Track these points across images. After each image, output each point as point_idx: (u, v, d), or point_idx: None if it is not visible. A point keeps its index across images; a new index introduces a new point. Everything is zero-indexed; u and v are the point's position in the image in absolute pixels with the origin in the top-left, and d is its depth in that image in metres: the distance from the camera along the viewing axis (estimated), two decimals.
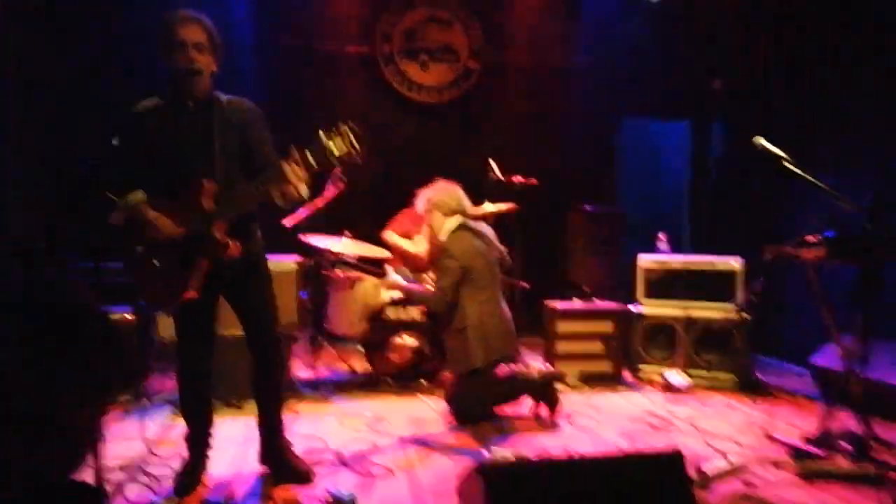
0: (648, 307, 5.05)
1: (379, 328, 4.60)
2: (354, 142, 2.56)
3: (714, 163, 6.70)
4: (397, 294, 4.52)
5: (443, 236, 3.91)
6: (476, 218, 4.18)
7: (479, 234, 3.95)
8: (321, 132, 2.56)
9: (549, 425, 3.87)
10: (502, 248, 4.14)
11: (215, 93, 2.81)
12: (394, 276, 4.34)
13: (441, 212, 3.95)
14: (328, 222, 4.99)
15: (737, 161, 6.19)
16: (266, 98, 3.78)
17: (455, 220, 3.94)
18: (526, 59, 6.74)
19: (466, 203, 4.02)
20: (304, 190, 2.66)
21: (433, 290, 3.89)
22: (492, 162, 5.21)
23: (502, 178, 5.20)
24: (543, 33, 6.71)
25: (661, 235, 5.43)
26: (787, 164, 3.74)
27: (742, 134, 6.02)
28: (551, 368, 4.18)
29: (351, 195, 5.03)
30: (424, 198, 4.04)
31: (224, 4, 5.64)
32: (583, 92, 6.74)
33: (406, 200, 5.83)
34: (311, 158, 2.57)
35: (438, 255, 3.84)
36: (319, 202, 4.62)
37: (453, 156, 6.46)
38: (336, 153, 2.55)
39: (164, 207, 2.69)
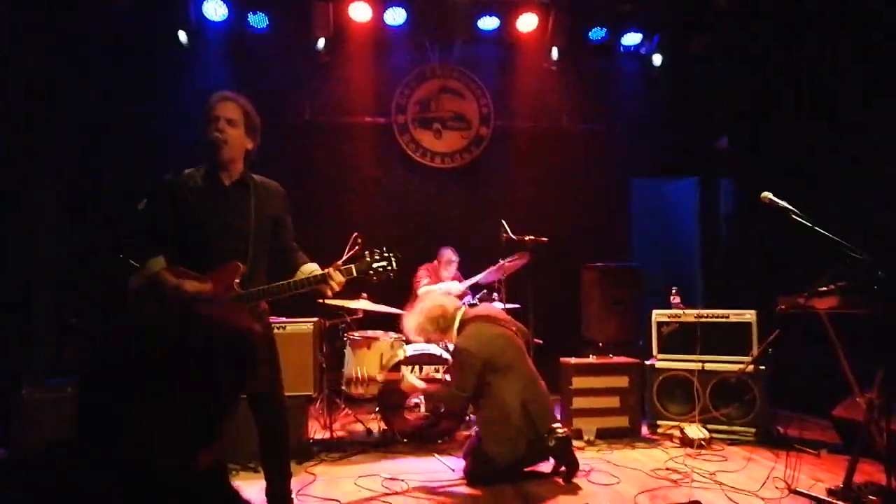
0: (664, 361, 4.98)
1: (395, 388, 4.56)
2: (393, 263, 2.87)
3: (724, 218, 6.70)
4: (412, 351, 4.50)
5: (454, 336, 3.77)
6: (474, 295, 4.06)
7: (489, 319, 3.77)
8: (367, 252, 2.89)
9: (569, 484, 3.75)
10: (517, 323, 3.97)
11: (250, 174, 2.92)
12: (409, 377, 4.12)
13: (439, 327, 3.82)
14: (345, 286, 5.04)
15: (746, 215, 6.19)
16: (286, 168, 3.92)
17: (458, 319, 3.79)
18: (534, 124, 6.93)
19: (449, 294, 3.92)
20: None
21: (451, 386, 3.70)
22: (503, 221, 5.27)
23: (515, 237, 5.24)
24: (550, 99, 6.90)
25: (674, 290, 5.39)
26: (795, 216, 3.75)
27: (749, 189, 6.07)
28: (566, 430, 4.00)
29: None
30: (416, 329, 3.90)
31: (248, 84, 5.89)
32: (591, 154, 6.89)
33: (421, 263, 5.95)
34: (354, 271, 2.83)
35: (456, 356, 3.67)
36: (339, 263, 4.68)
37: (466, 218, 6.57)
38: (377, 271, 2.85)
39: (187, 276, 2.71)
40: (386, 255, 2.88)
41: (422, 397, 4.26)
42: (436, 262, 5.88)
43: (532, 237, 5.20)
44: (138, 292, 2.70)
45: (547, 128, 6.93)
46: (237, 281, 2.73)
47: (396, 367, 4.61)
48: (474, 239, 6.15)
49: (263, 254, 2.89)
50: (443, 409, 4.43)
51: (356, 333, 5.10)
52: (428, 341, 4.00)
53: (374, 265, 2.85)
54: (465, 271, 5.84)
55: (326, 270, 2.81)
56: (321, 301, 4.69)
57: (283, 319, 4.46)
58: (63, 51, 5.35)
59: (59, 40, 5.33)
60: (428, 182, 6.76)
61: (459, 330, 3.75)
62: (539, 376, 3.83)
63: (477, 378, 3.55)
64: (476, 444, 3.75)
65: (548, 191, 6.86)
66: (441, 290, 5.57)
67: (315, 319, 4.63)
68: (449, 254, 5.85)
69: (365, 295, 5.18)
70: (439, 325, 3.80)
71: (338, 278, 2.79)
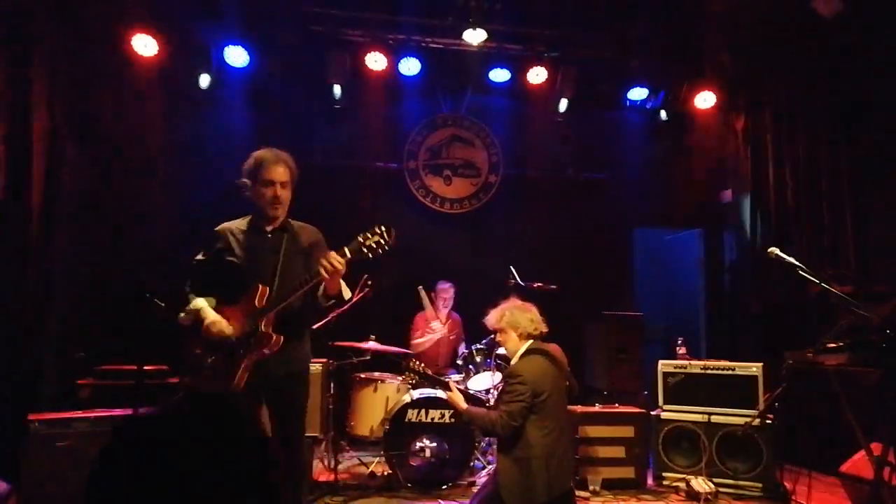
0: (669, 412, 4.91)
1: (400, 431, 4.49)
2: (385, 236, 2.94)
3: (727, 269, 6.68)
4: (419, 395, 4.43)
5: (514, 359, 3.62)
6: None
7: (552, 359, 3.62)
8: (359, 235, 2.95)
9: None
10: (571, 374, 3.79)
11: (289, 220, 3.18)
12: (457, 393, 3.85)
13: (516, 333, 3.65)
14: (353, 327, 5.01)
15: (750, 267, 6.18)
16: (299, 213, 3.92)
17: (528, 344, 3.64)
18: (541, 173, 6.98)
19: (541, 324, 3.69)
20: (346, 291, 3.06)
21: (500, 412, 3.48)
22: (511, 268, 5.26)
23: (522, 283, 5.23)
24: (557, 150, 6.96)
25: (679, 341, 5.35)
26: (802, 272, 3.74)
27: (752, 243, 6.08)
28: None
29: (375, 302, 5.09)
30: (499, 314, 3.73)
31: (262, 128, 5.96)
32: (596, 203, 6.92)
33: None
34: (347, 252, 2.91)
35: (509, 379, 3.51)
36: (346, 306, 4.65)
37: (474, 263, 6.55)
38: (371, 247, 2.92)
39: (223, 311, 2.97)
40: (377, 230, 2.95)
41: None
42: (434, 296, 5.94)
43: (540, 284, 5.18)
44: (187, 328, 2.95)
45: (553, 177, 6.99)
46: (260, 300, 2.95)
47: (403, 409, 4.53)
48: (481, 284, 6.12)
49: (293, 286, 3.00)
50: (480, 434, 4.30)
51: (363, 375, 5.04)
52: (499, 333, 3.79)
53: (366, 242, 2.92)
54: (467, 316, 5.82)
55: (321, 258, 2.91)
56: (331, 343, 4.68)
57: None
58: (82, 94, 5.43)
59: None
60: (437, 227, 6.78)
61: (523, 356, 3.59)
62: (569, 435, 3.66)
63: (525, 407, 3.38)
64: (492, 490, 3.52)
65: (553, 238, 6.87)
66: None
67: (323, 361, 4.59)
68: (444, 287, 5.89)
69: (373, 336, 5.15)
70: (528, 327, 3.62)
71: (333, 258, 2.86)
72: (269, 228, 3.11)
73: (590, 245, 6.87)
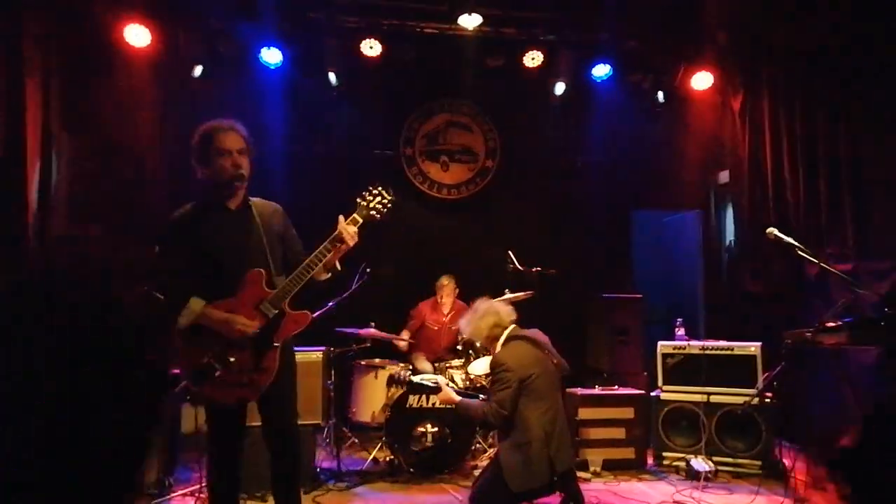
0: (669, 393, 4.92)
1: (401, 417, 4.50)
2: (385, 195, 2.98)
3: (726, 250, 6.67)
4: (419, 380, 4.43)
5: (497, 349, 3.69)
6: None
7: (534, 342, 3.69)
8: (359, 197, 2.98)
9: None
10: (559, 355, 3.83)
11: (249, 197, 2.98)
12: (447, 389, 3.97)
13: (491, 332, 3.72)
14: (352, 314, 5.02)
15: (748, 247, 6.16)
16: (298, 201, 3.91)
17: (507, 332, 3.71)
18: (539, 157, 6.94)
19: (508, 314, 3.78)
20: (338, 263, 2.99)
21: (489, 403, 3.56)
22: (510, 253, 5.25)
23: (521, 268, 5.22)
24: (555, 134, 6.92)
25: (678, 322, 5.35)
26: (800, 252, 3.74)
27: (751, 224, 6.06)
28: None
29: (375, 288, 5.09)
30: (468, 324, 3.82)
31: (259, 118, 5.93)
32: (595, 187, 6.89)
33: (426, 293, 5.92)
34: (359, 219, 2.92)
35: (494, 368, 3.58)
36: (346, 294, 4.67)
37: (473, 249, 6.55)
38: (377, 208, 2.96)
39: (226, 307, 2.78)
40: (376, 191, 2.98)
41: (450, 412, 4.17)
42: (438, 293, 5.90)
43: (539, 269, 5.17)
44: (187, 332, 2.75)
45: (552, 160, 6.95)
46: (266, 286, 2.83)
47: (404, 395, 4.55)
48: (479, 269, 6.13)
49: (280, 261, 2.96)
50: (477, 427, 4.36)
51: (363, 362, 5.06)
52: (477, 343, 3.89)
53: (372, 203, 2.95)
54: (468, 301, 5.82)
55: (336, 232, 2.88)
56: (333, 330, 4.68)
57: (293, 348, 4.42)
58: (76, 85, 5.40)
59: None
60: (434, 213, 6.77)
61: (504, 344, 3.67)
62: (564, 413, 3.69)
63: (514, 395, 3.45)
64: (496, 471, 3.54)
65: (552, 223, 6.85)
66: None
67: (323, 348, 4.60)
68: (444, 280, 5.86)
69: (373, 323, 5.16)
70: (492, 330, 3.71)
71: (350, 230, 2.88)
72: (232, 206, 2.91)
73: (589, 228, 6.85)
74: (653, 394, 4.97)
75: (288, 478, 2.97)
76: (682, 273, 7.32)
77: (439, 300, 5.87)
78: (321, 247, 2.87)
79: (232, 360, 2.74)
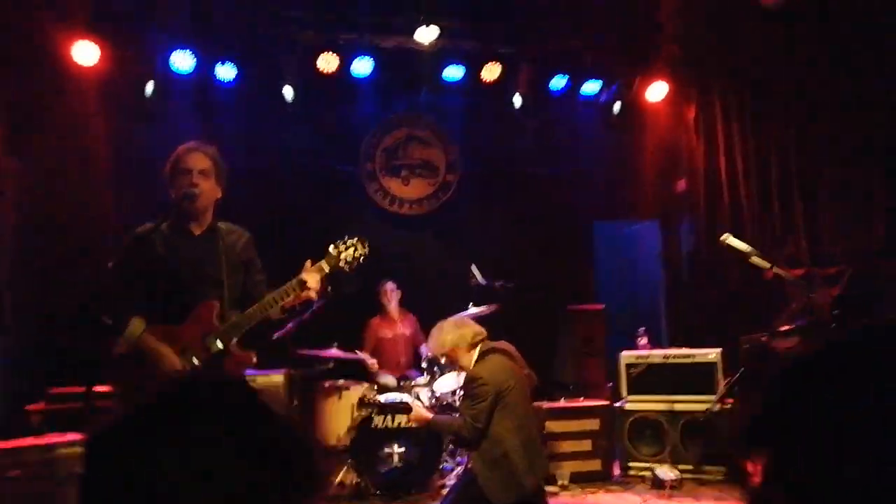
0: (633, 403, 5.03)
1: (367, 438, 4.51)
2: (360, 247, 2.90)
3: (686, 258, 6.85)
4: (385, 400, 4.46)
5: (472, 365, 3.70)
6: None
7: (506, 353, 3.76)
8: (332, 245, 2.89)
9: None
10: (528, 368, 3.92)
11: (217, 222, 2.94)
12: (419, 407, 4.04)
13: (462, 349, 3.74)
14: (315, 334, 5.01)
15: (706, 255, 6.34)
16: (255, 218, 3.89)
17: (478, 348, 3.74)
18: (500, 170, 7.04)
19: (479, 330, 3.82)
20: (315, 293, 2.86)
21: (463, 418, 3.58)
22: (473, 267, 5.32)
23: (484, 281, 5.29)
24: (515, 146, 7.03)
25: (640, 331, 5.47)
26: (755, 258, 3.88)
27: (709, 232, 6.25)
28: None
29: (337, 307, 5.10)
30: (440, 341, 3.82)
31: (215, 134, 5.89)
32: (555, 198, 7.00)
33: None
34: (325, 267, 2.82)
35: (470, 384, 3.61)
36: (306, 315, 4.65)
37: (437, 264, 6.60)
38: (347, 260, 2.87)
39: (168, 334, 2.69)
40: (351, 241, 2.90)
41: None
42: (379, 296, 5.96)
43: (502, 282, 5.25)
44: (124, 357, 2.66)
45: (512, 173, 7.05)
46: (217, 318, 2.74)
47: (369, 420, 4.55)
48: (444, 284, 6.18)
49: (237, 299, 2.89)
50: (450, 440, 4.38)
51: (327, 383, 5.04)
52: (445, 359, 3.90)
53: (343, 254, 2.86)
54: (433, 317, 5.86)
55: (299, 276, 2.77)
56: (296, 353, 4.67)
57: (253, 372, 4.40)
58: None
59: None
60: (396, 228, 6.79)
61: (478, 360, 3.69)
62: (536, 424, 3.77)
63: (489, 409, 3.47)
64: (468, 488, 3.57)
65: (514, 235, 6.93)
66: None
67: (285, 370, 4.58)
68: (391, 285, 5.93)
69: (336, 344, 5.16)
70: (474, 338, 3.73)
71: (313, 278, 2.77)
72: (196, 231, 2.87)
73: (551, 240, 6.96)
74: (617, 404, 5.07)
75: None
76: (644, 282, 7.48)
77: (386, 304, 5.92)
78: (281, 289, 2.79)
79: None
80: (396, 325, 5.92)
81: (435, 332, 3.89)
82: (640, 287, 7.51)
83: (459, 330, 3.78)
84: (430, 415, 3.90)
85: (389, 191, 6.78)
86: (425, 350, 5.58)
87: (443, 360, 4.06)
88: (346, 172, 6.77)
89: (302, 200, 6.55)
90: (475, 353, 3.72)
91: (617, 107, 6.77)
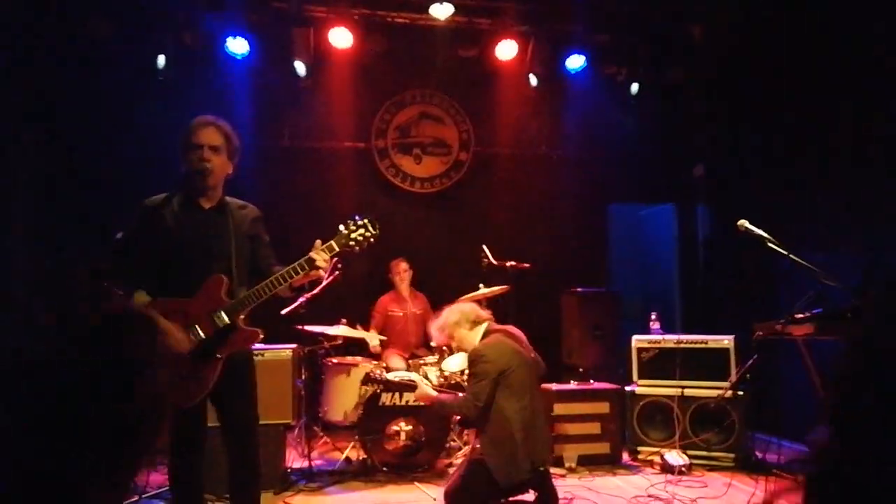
0: (643, 387, 5.02)
1: (374, 415, 4.54)
2: (370, 227, 2.92)
3: (701, 243, 6.80)
4: (394, 377, 4.48)
5: (476, 342, 3.72)
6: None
7: (512, 336, 3.76)
8: (342, 225, 2.91)
9: None
10: (536, 354, 3.88)
11: (226, 198, 2.97)
12: (423, 385, 4.05)
13: (465, 328, 3.78)
14: (324, 310, 5.04)
15: (723, 241, 6.30)
16: (267, 195, 3.92)
17: (483, 327, 3.77)
18: (514, 150, 7.00)
19: (480, 309, 3.88)
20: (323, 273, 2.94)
21: (465, 395, 3.61)
22: (485, 248, 5.30)
23: (495, 262, 5.28)
24: (530, 125, 6.99)
25: (653, 315, 5.45)
26: (771, 244, 3.84)
27: (726, 215, 6.19)
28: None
29: (346, 284, 5.12)
30: (440, 326, 3.86)
31: (226, 110, 5.89)
32: (570, 180, 6.95)
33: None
34: (335, 246, 2.86)
35: (473, 361, 3.61)
36: (315, 291, 4.68)
37: (447, 244, 6.59)
38: (357, 240, 2.89)
39: (175, 307, 2.71)
40: (361, 222, 2.92)
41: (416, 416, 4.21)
42: (389, 274, 6.02)
43: (513, 263, 5.23)
44: None
45: (526, 153, 7.01)
46: (225, 293, 2.78)
47: (377, 393, 4.58)
48: (454, 264, 6.18)
49: (245, 275, 2.93)
50: (456, 419, 4.41)
51: (335, 360, 5.08)
52: (451, 342, 3.91)
53: (353, 234, 2.89)
54: (443, 297, 5.87)
55: (309, 255, 2.82)
56: (301, 327, 4.69)
57: (261, 346, 4.43)
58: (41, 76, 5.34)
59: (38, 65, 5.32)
60: (407, 207, 6.79)
61: (483, 338, 3.72)
62: (542, 408, 3.75)
63: (491, 387, 3.49)
64: (474, 467, 3.58)
65: (527, 216, 6.91)
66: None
67: (293, 346, 4.61)
68: (403, 264, 5.97)
69: (344, 321, 5.18)
70: (464, 319, 3.76)
71: (322, 257, 2.82)
72: (206, 206, 2.91)
73: (565, 222, 6.93)
74: (627, 388, 5.06)
75: (246, 487, 2.93)
76: (658, 267, 7.44)
77: (398, 283, 5.97)
78: (290, 267, 2.83)
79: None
80: (407, 304, 5.96)
81: (435, 322, 3.93)
82: (654, 271, 7.48)
83: (460, 308, 3.83)
84: (434, 393, 3.92)
85: (401, 168, 6.77)
86: None
87: (451, 347, 4.07)
88: (357, 149, 6.73)
89: (314, 178, 6.56)
90: (479, 332, 3.74)
91: (634, 87, 6.70)
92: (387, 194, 6.75)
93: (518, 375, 3.54)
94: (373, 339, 5.59)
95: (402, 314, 5.91)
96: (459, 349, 3.94)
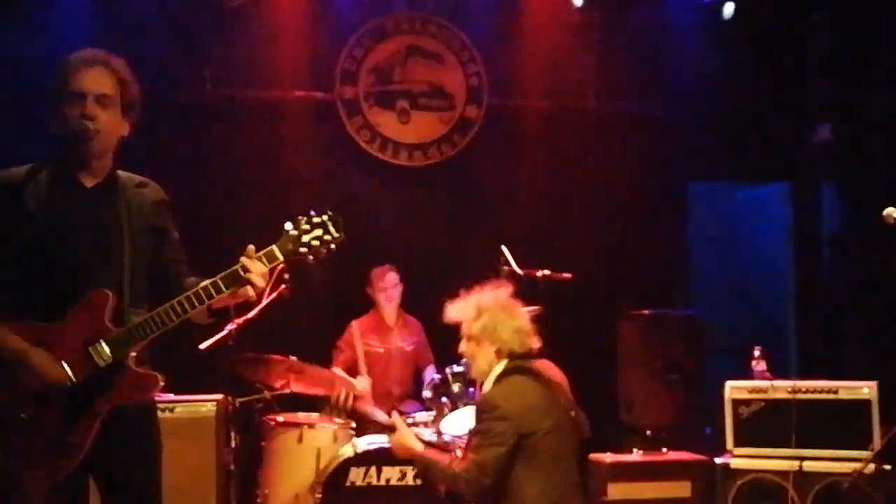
0: (743, 458, 4.99)
1: (339, 500, 4.49)
2: (331, 228, 2.81)
3: (826, 241, 6.77)
4: (367, 445, 4.45)
5: (488, 383, 3.68)
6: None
7: (543, 381, 3.70)
8: (288, 223, 2.78)
9: None
10: (577, 407, 3.85)
11: (119, 171, 2.90)
12: (405, 433, 3.90)
13: (492, 347, 3.67)
14: (263, 342, 5.01)
15: (859, 238, 6.26)
16: (180, 168, 3.87)
17: (505, 362, 3.65)
18: (547, 104, 7.00)
19: (529, 338, 3.71)
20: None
21: (466, 462, 3.55)
22: (504, 249, 5.27)
23: (520, 270, 5.23)
24: (572, 68, 6.97)
25: (756, 351, 5.42)
26: None
27: (863, 199, 6.15)
28: None
29: (298, 304, 5.08)
30: (474, 311, 3.75)
31: (117, 41, 5.87)
32: (632, 148, 6.94)
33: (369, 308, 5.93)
34: (277, 253, 2.76)
35: (483, 413, 3.56)
36: (249, 315, 4.66)
37: (447, 241, 6.56)
38: (312, 245, 2.78)
39: (32, 337, 2.67)
40: (318, 219, 2.81)
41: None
42: (369, 289, 5.94)
43: (547, 272, 5.20)
44: None
45: (567, 109, 7.01)
46: (107, 316, 2.70)
47: (343, 467, 4.54)
48: (457, 272, 6.13)
49: (143, 287, 2.87)
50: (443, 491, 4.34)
51: (280, 417, 5.03)
52: (467, 341, 3.82)
53: (305, 237, 2.78)
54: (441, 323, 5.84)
55: (239, 263, 2.73)
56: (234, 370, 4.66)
57: (171, 398, 4.39)
58: None
59: None
60: (389, 186, 6.80)
61: (500, 378, 3.64)
62: (582, 491, 3.74)
63: (506, 456, 3.42)
64: None
65: (567, 201, 6.91)
66: None
67: (219, 397, 4.58)
68: (385, 273, 5.89)
69: (294, 358, 5.13)
70: (502, 338, 3.63)
71: (257, 269, 2.73)
72: (89, 183, 2.84)
73: (622, 210, 6.93)
74: (719, 460, 5.04)
75: None
76: (764, 277, 7.42)
77: (381, 303, 5.90)
78: (210, 281, 2.76)
79: (23, 415, 2.63)
80: (392, 335, 5.91)
81: (477, 295, 3.80)
82: (756, 284, 7.45)
83: (509, 321, 3.68)
84: (419, 446, 3.79)
85: (379, 130, 6.74)
86: (433, 373, 5.56)
87: (473, 370, 3.97)
88: (312, 101, 6.71)
89: (246, 139, 6.53)
90: (500, 364, 3.65)
91: (728, 9, 6.66)
92: (357, 166, 6.75)
93: (549, 441, 3.50)
94: (359, 382, 5.53)
95: (383, 350, 5.87)
96: (469, 364, 3.88)
